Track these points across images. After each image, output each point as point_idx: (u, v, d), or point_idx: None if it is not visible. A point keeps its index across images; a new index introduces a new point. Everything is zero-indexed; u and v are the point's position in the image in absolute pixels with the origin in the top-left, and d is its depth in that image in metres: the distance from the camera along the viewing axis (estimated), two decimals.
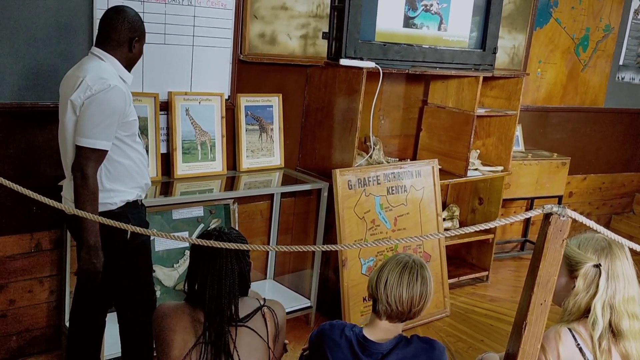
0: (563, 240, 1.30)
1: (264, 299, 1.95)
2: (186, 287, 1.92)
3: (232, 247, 1.67)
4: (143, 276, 2.51)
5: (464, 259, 4.53)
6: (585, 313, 1.79)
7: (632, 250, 1.62)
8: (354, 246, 1.40)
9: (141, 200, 2.47)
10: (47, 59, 2.74)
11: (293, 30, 3.49)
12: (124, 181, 2.35)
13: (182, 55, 3.15)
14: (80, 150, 2.22)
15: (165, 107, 3.15)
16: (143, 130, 3.05)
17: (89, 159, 2.21)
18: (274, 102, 3.56)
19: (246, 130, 3.46)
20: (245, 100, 3.44)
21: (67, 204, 2.30)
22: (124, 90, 2.27)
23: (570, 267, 1.79)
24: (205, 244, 1.62)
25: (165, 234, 1.70)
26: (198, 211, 3.35)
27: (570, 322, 1.80)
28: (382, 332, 1.89)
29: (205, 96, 3.27)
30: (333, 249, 1.42)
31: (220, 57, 3.28)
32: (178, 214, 3.28)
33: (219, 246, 1.62)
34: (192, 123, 3.23)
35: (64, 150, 2.33)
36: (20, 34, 2.65)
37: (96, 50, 2.34)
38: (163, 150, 3.17)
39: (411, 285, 1.84)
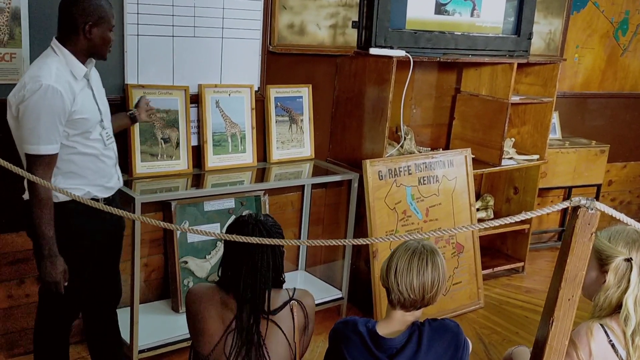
0: (592, 234, 1.26)
1: (294, 290, 1.95)
2: (220, 273, 1.93)
3: (267, 242, 1.65)
4: (97, 271, 2.39)
5: (499, 249, 4.46)
6: (617, 308, 1.74)
7: None
8: (384, 239, 1.38)
9: (103, 198, 2.34)
10: None
11: (322, 20, 3.46)
12: (73, 179, 2.23)
13: (212, 48, 3.16)
14: (26, 158, 2.13)
15: (196, 99, 3.16)
16: (174, 124, 3.09)
17: (35, 165, 2.11)
18: (304, 92, 3.54)
19: (276, 122, 3.46)
20: (275, 92, 3.43)
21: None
22: (58, 88, 2.09)
23: (601, 261, 1.74)
24: (242, 240, 1.60)
25: (197, 229, 1.70)
26: (229, 203, 3.37)
27: (602, 317, 1.75)
28: (397, 323, 1.86)
29: (235, 88, 3.28)
30: (362, 243, 1.40)
31: (249, 49, 3.28)
32: (210, 206, 3.31)
33: (254, 242, 1.60)
34: (222, 115, 3.25)
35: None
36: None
37: (53, 42, 2.21)
38: (194, 142, 3.19)
39: (421, 271, 1.81)
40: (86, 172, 2.27)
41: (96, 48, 2.24)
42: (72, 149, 2.22)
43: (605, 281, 1.73)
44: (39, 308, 2.45)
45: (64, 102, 2.12)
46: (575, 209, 1.25)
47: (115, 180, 2.42)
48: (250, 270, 1.83)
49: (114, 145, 2.42)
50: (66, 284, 2.26)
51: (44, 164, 2.13)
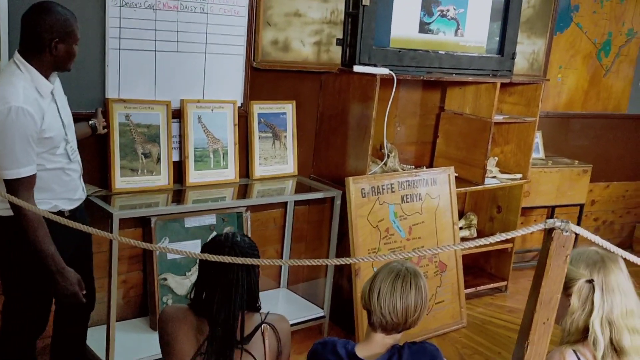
0: (566, 257, 1.25)
1: (267, 314, 1.92)
2: (192, 294, 1.91)
3: (244, 262, 1.63)
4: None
5: (482, 268, 4.45)
6: (585, 332, 1.71)
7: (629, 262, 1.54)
8: (366, 259, 1.34)
9: (68, 211, 2.32)
10: None
11: (306, 36, 3.46)
12: (39, 193, 2.18)
13: (195, 63, 3.14)
14: (6, 183, 2.10)
15: (178, 114, 3.14)
16: (155, 139, 3.06)
17: (17, 189, 2.07)
18: (288, 109, 3.53)
19: (259, 138, 3.44)
20: (258, 108, 3.42)
21: None
22: (28, 109, 2.05)
23: (565, 285, 1.73)
24: (216, 260, 1.58)
25: (172, 248, 1.66)
26: (210, 219, 3.34)
27: (574, 343, 1.73)
28: (377, 346, 1.84)
29: (218, 104, 3.26)
30: (344, 263, 1.38)
31: (233, 65, 3.27)
32: (190, 222, 3.27)
33: (229, 261, 1.58)
34: (204, 131, 3.22)
35: None
36: None
37: (16, 57, 2.16)
38: (175, 158, 3.16)
39: (405, 294, 1.79)
40: (52, 187, 2.25)
41: (61, 62, 2.21)
42: (39, 166, 2.18)
43: (569, 304, 1.71)
44: (3, 327, 2.39)
45: (35, 122, 2.09)
46: (550, 231, 1.24)
47: (80, 192, 2.40)
48: (224, 293, 1.81)
49: (79, 157, 2.40)
50: (84, 292, 2.25)
51: (25, 185, 2.12)
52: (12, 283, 2.33)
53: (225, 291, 1.81)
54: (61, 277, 2.17)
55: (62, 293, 2.20)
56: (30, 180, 2.13)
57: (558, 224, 1.20)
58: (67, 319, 2.47)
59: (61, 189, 2.28)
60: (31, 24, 2.14)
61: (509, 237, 1.38)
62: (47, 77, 2.21)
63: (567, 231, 1.20)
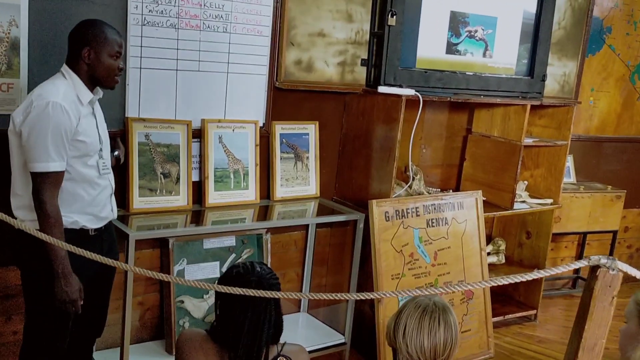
0: (613, 298, 1.11)
1: (283, 345, 1.83)
2: (215, 323, 1.83)
3: (269, 296, 1.55)
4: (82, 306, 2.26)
5: (511, 296, 4.29)
6: None
7: None
8: (389, 294, 1.19)
9: (93, 230, 2.29)
10: None
11: (330, 57, 3.41)
12: (62, 205, 2.16)
13: (216, 82, 3.10)
14: (33, 177, 2.10)
15: (198, 134, 3.09)
16: (174, 158, 3.01)
17: (43, 184, 2.08)
18: (310, 129, 3.47)
19: (281, 159, 3.38)
20: (280, 128, 3.36)
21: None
22: (64, 106, 2.10)
23: (634, 313, 1.60)
24: (246, 293, 1.50)
25: (195, 282, 1.56)
26: (230, 241, 3.27)
27: None
28: None
29: (240, 123, 3.21)
30: (367, 297, 1.27)
31: (255, 84, 3.22)
32: (210, 244, 3.20)
33: (257, 295, 1.50)
34: (225, 151, 3.17)
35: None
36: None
37: (63, 67, 2.24)
38: (195, 178, 3.11)
39: (433, 331, 1.68)
40: (76, 199, 2.22)
41: (98, 75, 2.24)
42: (66, 174, 2.17)
43: None
44: (24, 346, 2.33)
45: (70, 119, 2.12)
46: (594, 268, 1.11)
47: (107, 211, 2.35)
48: (253, 326, 1.75)
49: (111, 177, 2.38)
50: (82, 302, 2.20)
51: (51, 182, 2.11)
52: (34, 299, 2.29)
53: (254, 325, 1.77)
54: (65, 281, 2.13)
55: (62, 298, 2.14)
56: (57, 178, 2.12)
57: (604, 260, 1.07)
58: (72, 343, 2.39)
59: (84, 204, 2.24)
60: (71, 34, 2.23)
61: (545, 275, 1.26)
62: (89, 88, 2.25)
63: (613, 269, 1.08)
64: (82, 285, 2.19)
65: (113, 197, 2.41)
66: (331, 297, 1.33)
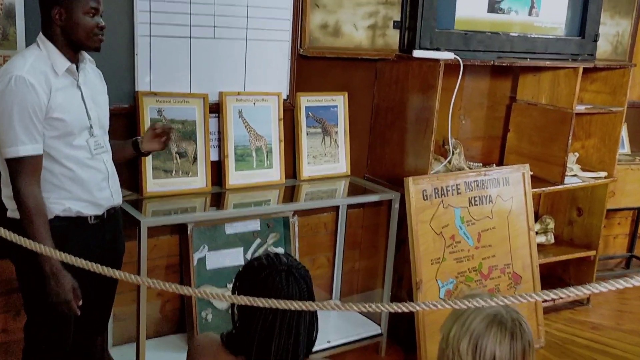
0: None
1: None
2: (234, 330, 1.53)
3: (306, 308, 1.16)
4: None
5: (561, 278, 3.96)
6: None
7: None
8: (433, 305, 0.89)
9: (93, 217, 2.04)
10: None
11: (359, 19, 3.08)
12: (49, 191, 1.92)
13: (234, 51, 2.81)
14: (8, 164, 1.87)
15: (216, 109, 2.82)
16: (190, 136, 2.75)
17: (17, 171, 1.84)
18: (339, 101, 3.16)
19: (307, 134, 3.09)
20: (306, 100, 3.06)
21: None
22: (28, 79, 1.83)
23: None
24: (282, 306, 1.10)
25: (211, 293, 1.20)
26: (254, 225, 3.01)
27: None
28: None
29: (261, 96, 2.92)
30: (404, 310, 0.96)
31: (277, 52, 2.92)
32: (232, 228, 2.95)
33: (293, 307, 1.11)
34: (245, 126, 2.89)
35: None
36: None
37: (38, 36, 1.96)
38: (214, 157, 2.84)
39: (512, 351, 1.36)
40: (66, 184, 1.96)
41: (75, 37, 1.93)
42: (49, 156, 1.91)
43: None
44: (25, 350, 2.11)
45: (38, 95, 1.85)
46: None
47: (106, 195, 2.08)
48: (285, 337, 1.44)
49: (107, 157, 2.09)
50: (80, 302, 1.96)
51: (26, 168, 1.86)
52: (30, 297, 2.06)
53: (286, 335, 1.45)
54: (55, 280, 1.88)
55: (54, 300, 1.90)
56: (33, 163, 1.87)
57: None
58: (74, 340, 2.16)
59: (77, 189, 1.98)
60: None
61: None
62: (69, 56, 1.96)
63: None
64: (78, 283, 1.94)
65: (114, 180, 2.13)
66: (362, 309, 1.04)
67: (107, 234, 2.10)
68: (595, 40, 3.64)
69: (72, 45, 1.95)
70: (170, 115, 2.69)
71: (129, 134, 2.59)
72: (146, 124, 2.61)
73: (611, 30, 3.99)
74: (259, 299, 1.02)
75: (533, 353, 1.40)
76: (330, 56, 3.05)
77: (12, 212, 1.95)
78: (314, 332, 1.53)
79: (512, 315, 1.41)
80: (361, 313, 3.28)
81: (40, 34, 1.95)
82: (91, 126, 2.01)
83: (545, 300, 3.53)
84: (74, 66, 1.97)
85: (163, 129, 2.24)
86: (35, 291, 1.96)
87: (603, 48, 3.95)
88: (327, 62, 3.07)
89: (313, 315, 1.51)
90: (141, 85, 2.62)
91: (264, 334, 1.45)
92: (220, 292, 1.29)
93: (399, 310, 0.98)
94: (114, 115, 2.50)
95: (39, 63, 1.89)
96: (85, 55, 2.03)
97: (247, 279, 1.50)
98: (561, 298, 3.59)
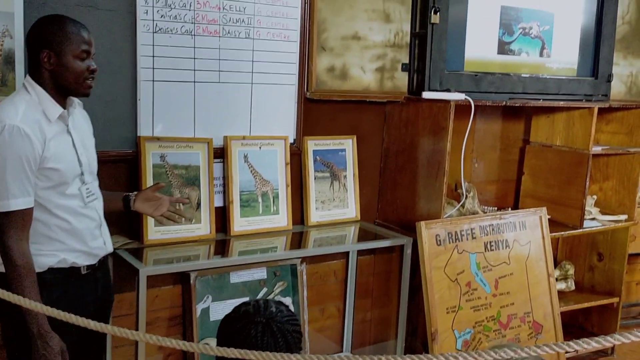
0: None
1: None
2: None
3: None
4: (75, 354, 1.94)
5: (582, 326, 3.78)
6: None
7: None
8: (454, 358, 0.78)
9: (86, 267, 1.94)
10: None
11: (367, 62, 3.04)
12: (42, 243, 1.83)
13: (240, 95, 2.76)
14: None
15: (221, 153, 2.75)
16: (194, 181, 2.67)
17: (7, 226, 1.73)
18: (347, 145, 3.09)
19: (315, 178, 3.00)
20: (313, 144, 2.99)
21: None
22: (23, 129, 1.74)
23: None
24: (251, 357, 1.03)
25: (211, 347, 1.08)
26: (260, 273, 2.89)
27: None
28: None
29: (267, 140, 2.85)
30: None
31: (283, 96, 2.86)
32: (237, 277, 2.83)
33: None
34: (251, 171, 2.81)
35: None
36: None
37: (26, 79, 1.88)
38: (218, 203, 2.75)
39: None
40: (59, 235, 1.87)
41: (65, 82, 1.85)
42: (41, 207, 1.82)
43: None
44: None
45: (33, 145, 1.76)
46: None
47: (99, 244, 1.99)
48: None
49: (99, 204, 2.01)
50: None
51: (17, 223, 1.76)
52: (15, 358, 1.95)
53: None
54: (42, 342, 1.77)
55: None
56: (23, 217, 1.77)
57: None
58: None
59: (70, 240, 1.90)
60: (27, 37, 1.91)
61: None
62: (58, 100, 1.88)
63: None
64: (69, 337, 1.83)
65: (105, 227, 2.04)
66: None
67: (99, 283, 2.01)
68: (609, 81, 3.57)
69: (61, 90, 1.87)
70: (173, 160, 2.62)
71: (131, 180, 2.53)
72: (148, 169, 2.54)
73: (624, 71, 3.92)
74: (240, 350, 0.93)
75: None
76: (338, 99, 2.99)
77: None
78: None
79: None
80: None
81: (28, 77, 1.88)
82: (82, 173, 1.92)
83: (568, 352, 3.35)
84: (66, 112, 1.90)
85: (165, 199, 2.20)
86: (22, 353, 1.85)
87: (617, 89, 3.88)
88: (334, 105, 3.00)
89: None
90: (144, 131, 2.55)
91: None
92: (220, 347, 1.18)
93: None
94: (115, 161, 2.45)
95: (31, 110, 1.81)
96: (74, 100, 1.97)
97: (225, 328, 1.43)
98: (585, 349, 3.40)
